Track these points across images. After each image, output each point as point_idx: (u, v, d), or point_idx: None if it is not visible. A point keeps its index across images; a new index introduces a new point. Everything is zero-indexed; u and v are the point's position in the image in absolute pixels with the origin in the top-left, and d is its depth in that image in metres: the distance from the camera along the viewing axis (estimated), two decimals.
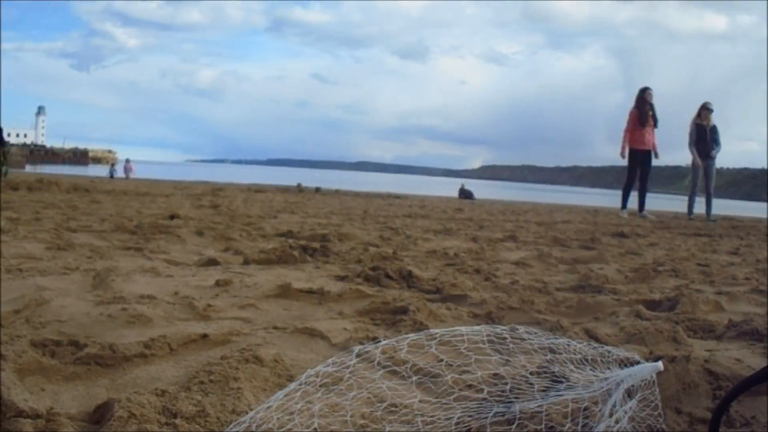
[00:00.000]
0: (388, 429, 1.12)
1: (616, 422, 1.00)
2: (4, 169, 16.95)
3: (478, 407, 1.08)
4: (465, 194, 17.40)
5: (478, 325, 1.42)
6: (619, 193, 11.28)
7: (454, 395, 1.16)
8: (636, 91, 10.80)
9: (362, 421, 1.16)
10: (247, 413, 1.14)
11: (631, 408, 1.03)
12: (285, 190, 15.22)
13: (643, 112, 10.38)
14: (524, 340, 1.24)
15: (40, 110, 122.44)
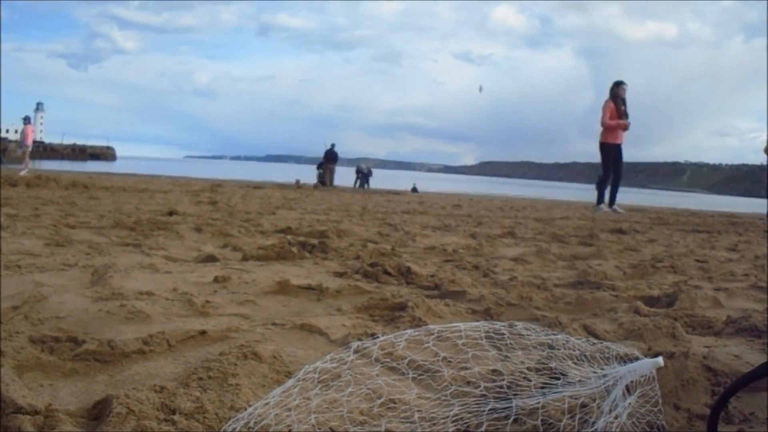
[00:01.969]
0: (385, 425, 1.12)
1: (616, 418, 1.00)
2: None
3: (476, 403, 1.08)
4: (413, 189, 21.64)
5: (477, 321, 1.42)
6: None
7: (453, 391, 1.16)
8: (610, 84, 10.67)
9: (360, 417, 1.16)
10: (245, 409, 1.14)
11: (630, 404, 1.03)
12: (283, 186, 15.21)
13: (617, 106, 10.40)
14: (523, 336, 1.25)
15: (39, 107, 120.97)
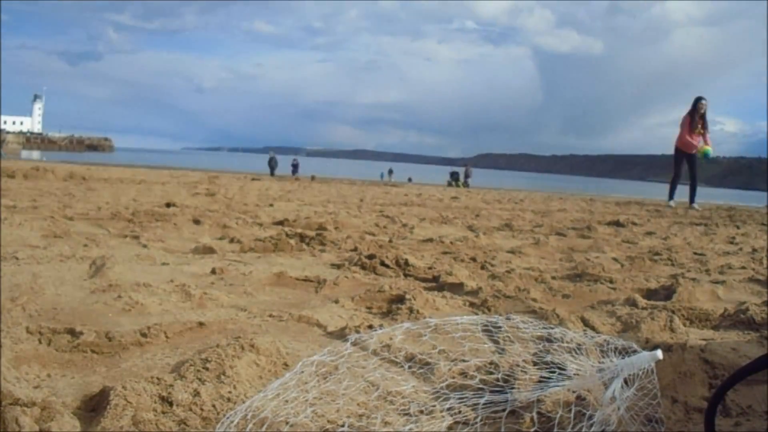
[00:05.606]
0: (382, 417, 1.12)
1: (614, 411, 1.00)
2: None
3: (473, 396, 1.08)
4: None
5: (474, 313, 1.42)
6: (610, 181, 11.36)
7: (449, 384, 1.16)
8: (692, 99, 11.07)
9: (358, 410, 1.16)
10: (243, 401, 1.14)
11: (628, 397, 1.03)
12: (281, 178, 15.20)
13: (693, 120, 10.78)
14: (520, 329, 1.25)
15: (36, 97, 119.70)
